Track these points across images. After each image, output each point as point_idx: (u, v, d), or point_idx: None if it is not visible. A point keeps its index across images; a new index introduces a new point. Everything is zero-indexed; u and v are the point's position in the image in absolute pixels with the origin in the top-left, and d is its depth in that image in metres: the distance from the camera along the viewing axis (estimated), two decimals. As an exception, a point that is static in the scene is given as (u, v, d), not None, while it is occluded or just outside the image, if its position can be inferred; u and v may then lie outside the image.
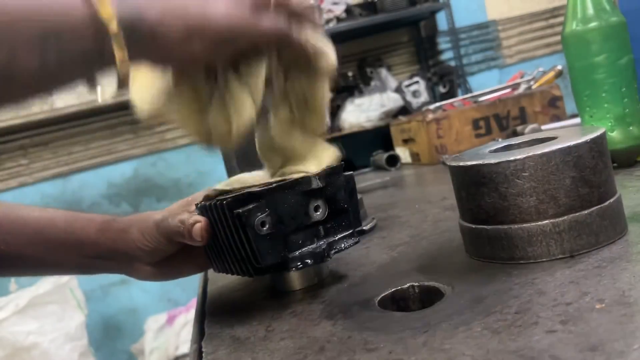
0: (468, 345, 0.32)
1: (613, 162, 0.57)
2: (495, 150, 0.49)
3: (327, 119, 0.51)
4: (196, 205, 0.51)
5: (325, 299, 0.47)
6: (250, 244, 0.45)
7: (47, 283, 2.32)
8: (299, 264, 0.47)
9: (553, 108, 1.28)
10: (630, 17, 0.67)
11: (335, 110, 2.61)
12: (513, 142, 0.50)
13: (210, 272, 0.65)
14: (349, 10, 2.55)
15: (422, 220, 0.70)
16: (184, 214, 0.49)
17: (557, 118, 1.27)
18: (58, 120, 2.63)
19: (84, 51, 0.38)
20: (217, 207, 0.47)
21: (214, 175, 2.51)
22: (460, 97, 1.51)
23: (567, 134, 0.46)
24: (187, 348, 0.93)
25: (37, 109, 2.54)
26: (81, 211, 0.61)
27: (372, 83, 2.77)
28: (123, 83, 0.40)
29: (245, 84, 0.46)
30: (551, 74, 1.35)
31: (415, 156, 1.38)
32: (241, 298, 0.55)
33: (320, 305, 0.46)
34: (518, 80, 1.41)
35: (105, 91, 0.41)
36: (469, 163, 0.45)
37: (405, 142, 1.42)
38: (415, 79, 2.60)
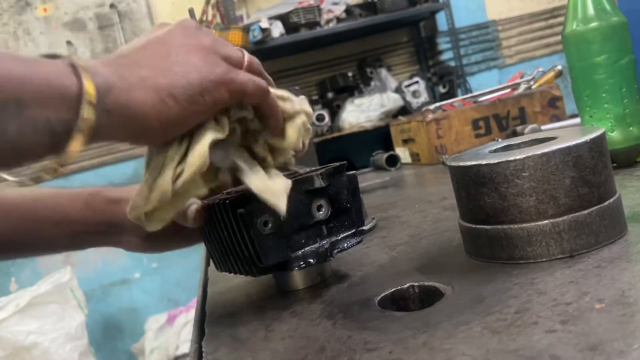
0: (468, 345, 0.32)
1: (613, 162, 0.57)
2: (495, 151, 0.49)
3: (300, 146, 0.49)
4: None
5: (325, 299, 0.47)
6: (253, 243, 0.45)
7: (48, 283, 2.32)
8: (301, 263, 0.47)
9: (553, 108, 1.28)
10: (630, 18, 0.67)
11: (335, 110, 2.61)
12: (513, 142, 0.50)
13: (211, 272, 0.65)
14: (349, 10, 2.55)
15: (422, 220, 0.70)
16: None
17: (557, 118, 1.27)
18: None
19: (51, 121, 0.34)
20: (219, 206, 0.47)
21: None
22: (460, 97, 1.51)
23: (566, 134, 0.46)
24: (187, 348, 0.93)
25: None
26: None
27: (372, 83, 2.77)
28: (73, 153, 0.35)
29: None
30: (551, 74, 1.35)
31: (415, 156, 1.38)
32: (241, 298, 0.55)
33: (321, 305, 0.46)
34: (518, 81, 1.41)
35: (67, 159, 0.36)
36: (469, 163, 0.45)
37: (405, 142, 1.43)
38: (415, 79, 2.60)
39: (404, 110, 2.50)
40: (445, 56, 3.01)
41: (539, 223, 0.42)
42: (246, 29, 2.44)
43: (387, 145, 1.58)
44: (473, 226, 0.47)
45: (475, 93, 1.43)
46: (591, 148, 0.43)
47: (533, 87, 1.34)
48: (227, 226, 0.47)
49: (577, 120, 0.89)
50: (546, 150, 0.42)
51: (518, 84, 1.38)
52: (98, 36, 2.83)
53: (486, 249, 0.46)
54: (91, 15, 2.82)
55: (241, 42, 2.42)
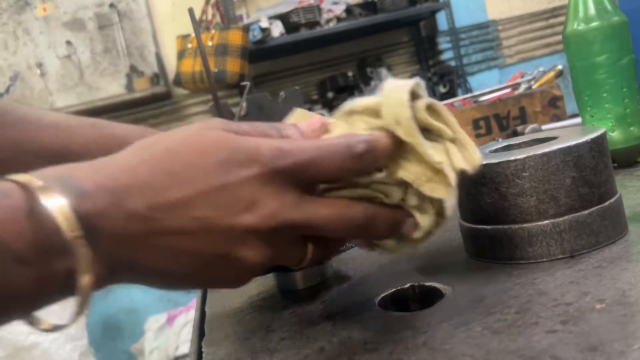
0: (468, 346, 0.32)
1: (613, 162, 0.57)
2: (496, 150, 0.49)
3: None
4: None
5: (325, 299, 0.47)
6: None
7: (47, 283, 2.32)
8: None
9: (553, 108, 1.28)
10: (631, 17, 0.67)
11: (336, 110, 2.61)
12: (513, 142, 0.50)
13: (210, 272, 0.65)
14: (349, 10, 2.55)
15: (422, 220, 0.70)
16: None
17: (558, 118, 1.27)
18: (58, 120, 2.63)
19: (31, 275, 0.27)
20: None
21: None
22: (460, 97, 1.51)
23: (567, 134, 0.46)
24: (187, 348, 0.93)
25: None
26: None
27: (372, 83, 2.77)
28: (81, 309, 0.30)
29: None
30: (551, 74, 1.35)
31: (415, 156, 1.37)
32: (241, 298, 0.55)
33: (321, 306, 0.46)
34: (518, 80, 1.40)
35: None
36: (469, 163, 0.45)
37: (406, 142, 1.42)
38: (416, 79, 2.60)
39: (404, 110, 2.50)
40: (445, 56, 3.01)
41: (540, 223, 0.42)
42: (246, 29, 2.44)
43: (387, 145, 1.57)
44: (473, 226, 0.46)
45: (475, 93, 1.43)
46: (592, 148, 0.43)
47: (533, 86, 1.34)
48: None
49: (578, 120, 0.89)
50: (547, 150, 0.42)
51: (518, 84, 1.38)
52: (98, 36, 2.83)
53: (486, 249, 0.46)
54: (91, 15, 2.82)
55: (241, 42, 2.42)
